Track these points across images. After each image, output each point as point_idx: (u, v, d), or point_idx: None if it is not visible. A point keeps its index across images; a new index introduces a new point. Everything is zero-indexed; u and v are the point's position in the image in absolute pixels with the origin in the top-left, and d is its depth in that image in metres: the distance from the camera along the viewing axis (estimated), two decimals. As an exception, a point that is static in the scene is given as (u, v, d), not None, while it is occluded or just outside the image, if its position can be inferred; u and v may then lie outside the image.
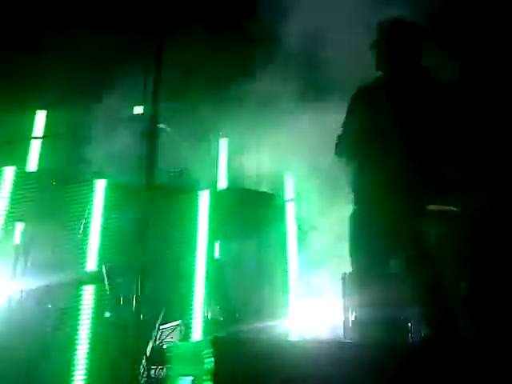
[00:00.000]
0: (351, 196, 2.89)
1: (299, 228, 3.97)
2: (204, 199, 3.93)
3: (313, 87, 3.98)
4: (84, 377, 3.43)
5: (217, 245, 3.91)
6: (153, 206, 2.98)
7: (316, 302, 3.80)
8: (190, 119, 4.03)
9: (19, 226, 3.85)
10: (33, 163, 4.07)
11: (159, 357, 3.15)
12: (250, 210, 3.96)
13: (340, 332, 3.57)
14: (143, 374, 3.14)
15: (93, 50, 4.17)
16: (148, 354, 3.26)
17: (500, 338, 2.92)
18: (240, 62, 4.07)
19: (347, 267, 2.98)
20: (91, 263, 3.72)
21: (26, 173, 4.01)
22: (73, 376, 3.44)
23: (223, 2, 4.17)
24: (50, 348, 3.51)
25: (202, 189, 3.97)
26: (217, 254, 3.95)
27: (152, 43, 3.21)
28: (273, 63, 4.09)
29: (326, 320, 3.74)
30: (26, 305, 3.63)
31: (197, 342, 3.46)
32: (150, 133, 3.18)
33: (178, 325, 3.46)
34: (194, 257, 3.78)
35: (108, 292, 3.64)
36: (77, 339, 3.49)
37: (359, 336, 3.04)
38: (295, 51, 4.02)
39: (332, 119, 3.08)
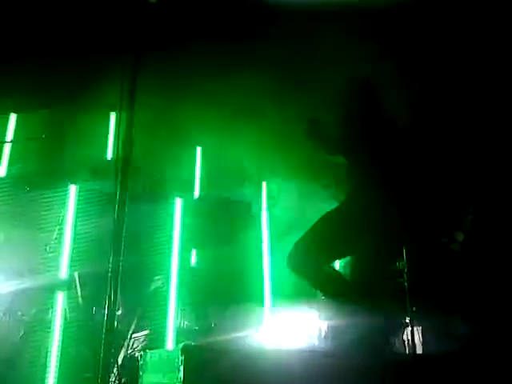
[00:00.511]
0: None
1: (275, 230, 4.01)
2: (178, 207, 3.95)
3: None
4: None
5: (193, 253, 3.92)
6: (127, 214, 2.97)
7: (291, 310, 3.83)
8: (166, 127, 4.04)
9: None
10: (3, 168, 4.02)
11: (131, 365, 3.14)
12: (226, 219, 3.98)
13: (314, 340, 3.60)
14: (114, 382, 3.13)
15: (65, 54, 4.14)
16: (120, 362, 3.25)
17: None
18: (218, 70, 4.10)
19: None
20: (63, 270, 3.70)
21: (-4, 177, 3.98)
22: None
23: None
24: (20, 356, 3.48)
25: (177, 197, 3.98)
26: (193, 262, 3.95)
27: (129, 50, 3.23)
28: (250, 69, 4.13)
29: (301, 328, 3.77)
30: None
31: (169, 350, 3.46)
32: (125, 140, 3.18)
33: (147, 334, 3.47)
34: (169, 265, 3.79)
35: (80, 299, 3.62)
36: (48, 347, 3.48)
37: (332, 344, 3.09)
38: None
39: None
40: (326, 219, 2.95)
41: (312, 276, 2.94)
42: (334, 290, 2.91)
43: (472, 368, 2.48)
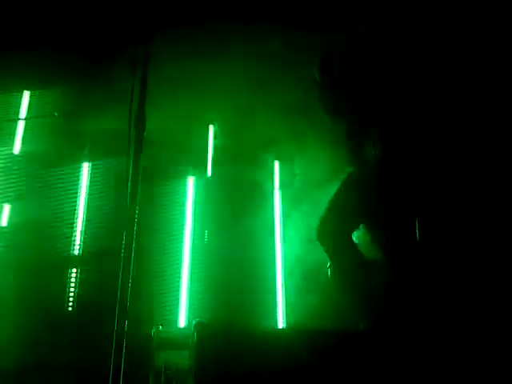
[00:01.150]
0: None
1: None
2: (191, 186, 3.96)
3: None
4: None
5: (206, 230, 3.94)
6: (140, 192, 2.98)
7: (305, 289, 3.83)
8: (178, 104, 4.03)
9: (6, 209, 3.85)
10: (17, 145, 4.05)
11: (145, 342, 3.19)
12: (238, 198, 3.99)
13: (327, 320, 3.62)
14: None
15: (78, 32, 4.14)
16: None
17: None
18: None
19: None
20: (77, 246, 3.75)
21: (11, 155, 4.00)
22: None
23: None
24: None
25: (190, 175, 3.99)
26: (206, 240, 3.97)
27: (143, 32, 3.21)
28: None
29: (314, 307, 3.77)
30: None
31: (182, 327, 3.51)
32: (137, 116, 3.19)
33: None
34: (182, 242, 3.82)
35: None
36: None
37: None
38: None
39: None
40: (341, 186, 3.00)
41: (329, 247, 3.00)
42: (344, 264, 2.96)
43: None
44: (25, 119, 4.10)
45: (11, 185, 3.91)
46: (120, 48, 3.96)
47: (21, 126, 4.10)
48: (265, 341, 2.48)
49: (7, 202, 3.87)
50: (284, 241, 3.89)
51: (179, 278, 3.71)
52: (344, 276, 3.06)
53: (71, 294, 3.65)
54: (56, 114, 4.03)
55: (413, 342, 2.52)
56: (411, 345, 2.50)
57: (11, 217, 3.84)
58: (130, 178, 3.03)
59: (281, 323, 3.64)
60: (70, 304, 3.63)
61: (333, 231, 3.04)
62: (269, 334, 2.61)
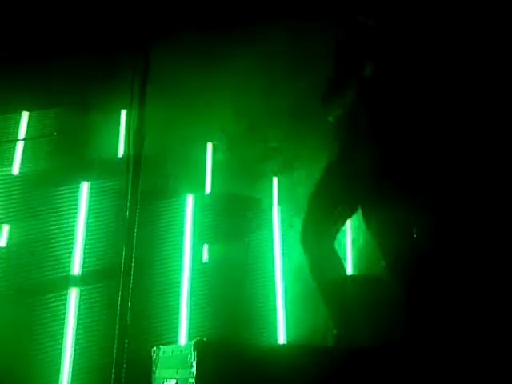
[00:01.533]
0: None
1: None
2: (189, 203, 3.98)
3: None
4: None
5: (205, 248, 3.95)
6: (139, 210, 3.00)
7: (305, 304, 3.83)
8: (177, 123, 4.06)
9: (5, 228, 3.86)
10: (15, 166, 4.07)
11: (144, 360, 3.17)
12: (237, 215, 4.00)
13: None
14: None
15: (76, 52, 4.19)
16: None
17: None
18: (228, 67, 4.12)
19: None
20: (76, 266, 3.75)
21: (10, 175, 4.02)
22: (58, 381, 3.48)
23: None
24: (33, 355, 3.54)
25: (188, 193, 4.01)
26: (205, 258, 3.98)
27: (140, 46, 3.25)
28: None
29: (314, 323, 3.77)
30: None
31: (182, 345, 3.49)
32: (136, 135, 3.22)
33: None
34: (181, 260, 3.82)
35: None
36: (61, 343, 3.53)
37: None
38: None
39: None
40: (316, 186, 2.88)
41: (309, 255, 2.82)
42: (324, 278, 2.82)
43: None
44: (24, 140, 4.12)
45: (10, 205, 3.91)
46: (118, 67, 4.00)
47: (19, 146, 4.12)
48: (266, 358, 2.47)
49: (6, 222, 3.87)
50: (284, 256, 3.90)
51: (179, 296, 3.72)
52: (319, 288, 2.92)
53: (71, 314, 3.63)
54: (55, 133, 4.05)
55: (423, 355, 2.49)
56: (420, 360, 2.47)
57: (10, 237, 3.84)
58: (128, 197, 3.06)
59: (282, 339, 3.64)
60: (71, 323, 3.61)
61: (314, 232, 2.80)
62: (270, 351, 2.60)
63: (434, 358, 2.45)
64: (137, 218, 3.05)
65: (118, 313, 2.91)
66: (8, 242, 3.82)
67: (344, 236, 4.02)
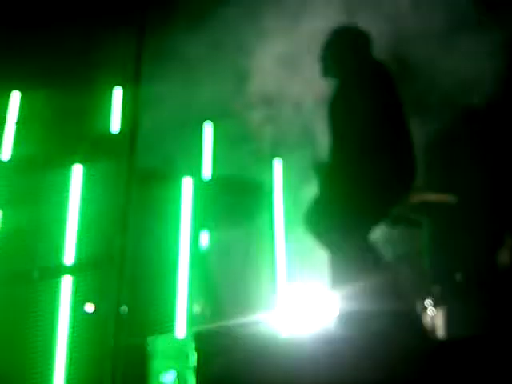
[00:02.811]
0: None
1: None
2: (187, 187, 3.88)
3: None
4: (63, 373, 3.41)
5: (204, 234, 3.85)
6: (134, 193, 2.91)
7: (305, 292, 3.76)
8: (174, 105, 3.95)
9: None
10: (7, 149, 3.96)
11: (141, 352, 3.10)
12: (237, 199, 3.91)
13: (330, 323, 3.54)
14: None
15: (70, 30, 4.07)
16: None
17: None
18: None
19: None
20: (69, 253, 3.67)
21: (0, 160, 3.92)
22: (51, 371, 3.42)
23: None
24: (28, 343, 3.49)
25: (186, 176, 3.91)
26: (203, 244, 3.89)
27: (134, 21, 3.15)
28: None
29: (315, 311, 3.70)
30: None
31: (178, 336, 3.42)
32: (131, 117, 3.12)
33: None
34: (178, 246, 3.73)
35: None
36: (55, 332, 3.47)
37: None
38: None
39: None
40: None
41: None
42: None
43: (496, 352, 2.39)
44: (15, 122, 4.01)
45: (0, 192, 3.82)
46: (111, 43, 3.89)
47: (10, 130, 4.01)
48: (266, 347, 2.41)
49: (-2, 208, 3.79)
50: (285, 242, 3.81)
51: (176, 284, 3.63)
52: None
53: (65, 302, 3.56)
54: (48, 114, 3.95)
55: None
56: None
57: (1, 225, 3.76)
58: (123, 181, 2.95)
59: (282, 330, 3.55)
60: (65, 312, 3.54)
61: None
62: (270, 341, 2.53)
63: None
64: (132, 203, 2.95)
65: (114, 301, 2.83)
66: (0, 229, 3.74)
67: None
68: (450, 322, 3.32)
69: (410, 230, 3.38)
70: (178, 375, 2.87)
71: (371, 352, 2.26)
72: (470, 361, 2.27)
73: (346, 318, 2.65)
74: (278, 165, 4.09)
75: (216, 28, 3.90)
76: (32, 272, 3.65)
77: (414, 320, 2.64)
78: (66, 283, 3.60)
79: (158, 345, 2.89)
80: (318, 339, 2.55)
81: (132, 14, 3.24)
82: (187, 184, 3.90)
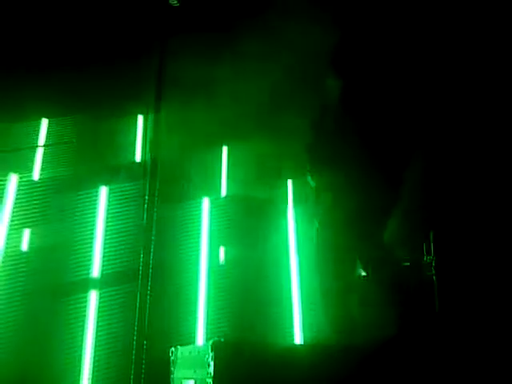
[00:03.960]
0: None
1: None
2: (206, 207, 4.05)
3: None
4: None
5: (222, 250, 4.01)
6: (156, 214, 3.08)
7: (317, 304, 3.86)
8: (193, 128, 4.13)
9: (26, 233, 3.96)
10: (37, 171, 4.18)
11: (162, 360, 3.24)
12: (252, 217, 4.05)
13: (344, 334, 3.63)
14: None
15: (94, 60, 4.28)
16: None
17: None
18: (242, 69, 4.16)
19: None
20: (96, 269, 3.85)
21: (31, 181, 4.13)
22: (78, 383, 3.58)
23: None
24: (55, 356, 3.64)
25: (205, 196, 4.08)
26: (221, 261, 4.05)
27: (154, 49, 3.33)
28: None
29: (330, 322, 3.80)
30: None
31: (199, 345, 3.56)
32: (153, 142, 3.31)
33: None
34: (198, 262, 3.90)
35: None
36: (82, 345, 3.64)
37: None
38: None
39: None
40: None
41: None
42: None
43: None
44: (44, 146, 4.23)
45: (31, 210, 4.02)
46: (135, 73, 4.09)
47: (40, 152, 4.23)
48: (283, 357, 2.52)
49: (27, 227, 3.98)
50: (299, 256, 3.94)
51: (196, 297, 3.79)
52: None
53: (91, 316, 3.73)
54: (74, 140, 4.16)
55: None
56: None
57: (31, 242, 3.95)
58: (146, 201, 3.15)
59: (298, 339, 3.69)
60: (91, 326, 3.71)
61: None
62: (287, 351, 2.64)
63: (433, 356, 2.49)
64: (154, 222, 3.15)
65: (137, 314, 3.00)
66: (29, 247, 3.92)
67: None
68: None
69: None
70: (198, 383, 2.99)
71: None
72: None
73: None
74: (291, 184, 4.25)
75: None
76: (60, 287, 3.82)
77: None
78: (93, 297, 3.78)
79: (179, 355, 3.01)
80: (334, 348, 2.66)
81: (153, 42, 3.44)
82: (206, 203, 4.10)
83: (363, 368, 2.50)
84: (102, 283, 3.82)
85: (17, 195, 4.03)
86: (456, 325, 3.12)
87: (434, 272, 3.25)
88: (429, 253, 3.27)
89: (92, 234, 3.95)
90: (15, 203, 4.00)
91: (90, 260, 3.89)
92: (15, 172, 4.06)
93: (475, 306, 3.28)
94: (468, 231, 3.44)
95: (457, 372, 2.51)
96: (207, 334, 3.69)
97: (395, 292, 3.14)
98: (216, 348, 2.48)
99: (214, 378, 2.46)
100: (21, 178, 4.10)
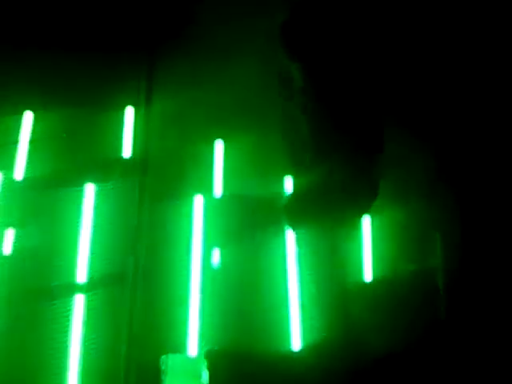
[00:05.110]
0: None
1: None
2: (198, 205, 3.95)
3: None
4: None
5: (215, 252, 3.92)
6: (146, 211, 2.98)
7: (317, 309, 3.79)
8: (185, 121, 4.04)
9: (9, 234, 3.85)
10: (20, 169, 4.06)
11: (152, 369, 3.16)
12: (248, 216, 3.97)
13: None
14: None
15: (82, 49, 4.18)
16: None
17: None
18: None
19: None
20: (82, 272, 3.74)
21: (12, 179, 4.01)
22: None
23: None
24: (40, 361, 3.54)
25: (197, 194, 3.98)
26: (215, 262, 3.95)
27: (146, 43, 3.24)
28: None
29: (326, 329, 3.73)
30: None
31: (192, 354, 3.46)
32: (143, 137, 3.21)
33: None
34: (190, 265, 3.80)
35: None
36: (67, 351, 3.52)
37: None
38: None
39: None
40: None
41: None
42: None
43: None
44: (26, 141, 4.12)
45: (13, 210, 3.92)
46: (123, 65, 3.99)
47: (22, 148, 4.11)
48: (279, 366, 2.47)
49: (10, 227, 3.87)
50: (299, 259, 3.85)
51: (188, 302, 3.68)
52: None
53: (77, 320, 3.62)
54: (64, 135, 4.06)
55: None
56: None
57: (15, 243, 3.85)
58: (136, 200, 3.04)
59: (296, 346, 3.59)
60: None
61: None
62: (283, 360, 2.58)
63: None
64: (145, 221, 3.03)
65: (126, 320, 2.89)
66: (12, 248, 3.82)
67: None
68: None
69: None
70: None
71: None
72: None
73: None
74: (288, 182, 4.15)
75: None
76: (44, 290, 3.72)
77: None
78: (79, 301, 3.66)
79: (170, 363, 2.94)
80: (333, 357, 2.60)
81: (143, 37, 3.34)
82: (198, 202, 3.98)
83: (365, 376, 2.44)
84: (89, 286, 3.71)
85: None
86: (464, 334, 3.04)
87: (441, 276, 3.17)
88: (436, 256, 3.20)
89: (78, 234, 3.83)
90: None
91: (76, 262, 3.77)
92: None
93: (485, 314, 3.20)
94: (479, 231, 3.37)
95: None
96: (201, 341, 3.58)
97: (399, 294, 3.05)
98: (210, 357, 2.41)
99: (209, 387, 2.37)
100: (3, 175, 3.99)
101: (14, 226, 3.85)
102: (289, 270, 3.84)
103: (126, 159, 4.04)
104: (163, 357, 2.99)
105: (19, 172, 4.03)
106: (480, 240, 3.60)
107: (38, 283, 3.73)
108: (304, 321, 3.62)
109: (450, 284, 3.27)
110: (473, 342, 3.09)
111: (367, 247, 3.94)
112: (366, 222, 3.89)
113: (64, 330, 3.61)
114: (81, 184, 3.93)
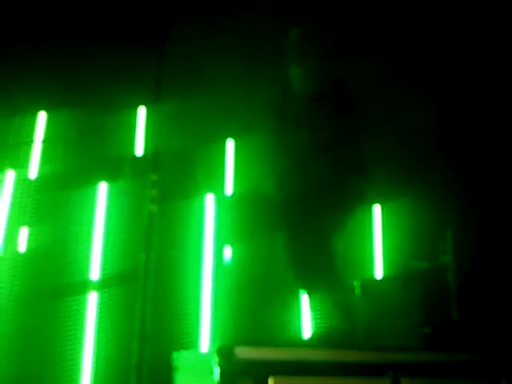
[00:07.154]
0: None
1: None
2: (210, 203, 3.97)
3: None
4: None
5: (227, 249, 3.94)
6: (157, 209, 3.00)
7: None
8: (196, 120, 4.06)
9: (23, 233, 3.90)
10: (34, 168, 4.11)
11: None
12: (259, 215, 3.98)
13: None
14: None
15: (93, 50, 4.22)
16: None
17: None
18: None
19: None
20: (95, 270, 3.78)
21: (27, 178, 4.06)
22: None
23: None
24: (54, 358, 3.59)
25: (208, 192, 4.01)
26: (226, 259, 3.98)
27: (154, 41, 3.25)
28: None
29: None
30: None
31: (203, 350, 3.50)
32: (154, 136, 3.23)
33: None
34: (202, 262, 3.82)
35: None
36: (81, 348, 3.57)
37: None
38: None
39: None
40: None
41: None
42: None
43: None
44: (40, 141, 4.16)
45: (28, 209, 3.96)
46: (133, 65, 4.02)
47: (36, 148, 4.16)
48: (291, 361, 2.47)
49: (24, 226, 3.92)
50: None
51: (200, 298, 3.71)
52: None
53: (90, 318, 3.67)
54: (73, 134, 4.09)
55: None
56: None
57: (29, 241, 3.89)
58: (148, 199, 3.07)
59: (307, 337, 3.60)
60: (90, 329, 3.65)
61: None
62: (292, 355, 2.58)
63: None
64: (156, 220, 3.06)
65: (139, 316, 2.93)
66: (27, 247, 3.86)
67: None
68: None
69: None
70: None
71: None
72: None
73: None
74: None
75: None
76: (57, 288, 3.77)
77: None
78: (92, 299, 3.71)
79: (182, 360, 2.96)
80: (337, 350, 2.61)
81: (153, 32, 3.36)
82: (210, 200, 4.01)
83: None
84: (102, 284, 3.75)
85: (13, 193, 3.96)
86: (475, 334, 3.04)
87: (452, 274, 3.16)
88: (446, 253, 3.19)
89: (91, 232, 3.87)
90: (11, 202, 3.93)
91: (89, 260, 3.81)
92: (11, 169, 3.99)
93: (497, 312, 3.20)
94: (491, 230, 3.37)
95: None
96: (213, 337, 3.61)
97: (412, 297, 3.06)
98: (222, 353, 2.42)
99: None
100: (17, 174, 4.04)
101: (27, 224, 3.91)
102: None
103: (138, 158, 4.09)
104: (175, 353, 3.01)
105: (33, 171, 4.09)
106: (492, 238, 3.60)
107: (52, 281, 3.78)
108: (313, 316, 3.64)
109: (462, 282, 3.26)
110: (485, 340, 3.09)
111: (378, 245, 3.96)
112: (377, 220, 3.92)
113: (77, 326, 3.65)
114: (93, 183, 3.98)
